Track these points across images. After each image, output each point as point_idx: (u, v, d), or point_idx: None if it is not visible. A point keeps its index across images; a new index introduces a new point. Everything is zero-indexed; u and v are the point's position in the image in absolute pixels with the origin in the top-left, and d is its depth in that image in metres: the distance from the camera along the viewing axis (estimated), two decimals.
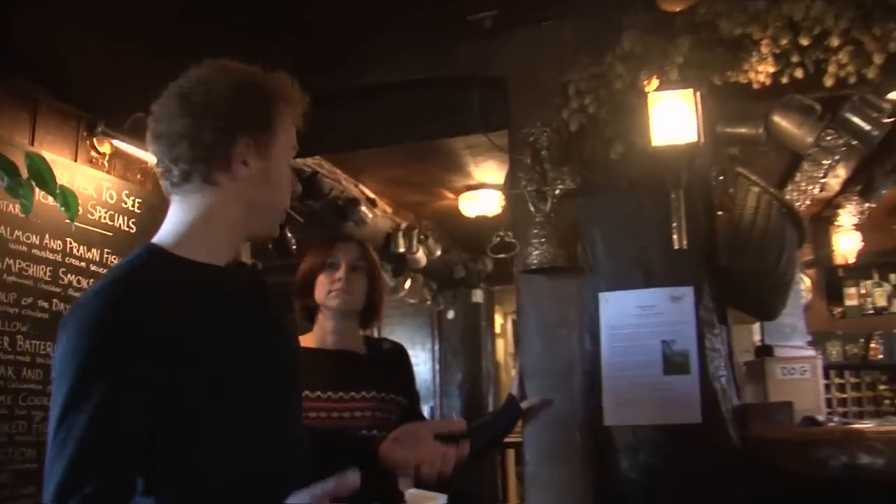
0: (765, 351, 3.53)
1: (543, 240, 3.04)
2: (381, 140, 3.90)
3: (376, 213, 5.60)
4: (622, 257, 3.01)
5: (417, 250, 6.08)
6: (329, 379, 2.56)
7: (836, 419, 3.56)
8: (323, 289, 2.64)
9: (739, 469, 2.90)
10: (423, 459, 1.71)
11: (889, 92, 3.29)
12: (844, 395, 6.92)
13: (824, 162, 4.58)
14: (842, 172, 5.45)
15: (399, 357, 2.79)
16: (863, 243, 6.50)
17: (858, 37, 2.82)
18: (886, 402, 6.82)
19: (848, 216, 6.31)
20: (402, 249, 5.90)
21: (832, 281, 7.25)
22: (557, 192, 3.02)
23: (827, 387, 6.88)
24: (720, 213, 3.20)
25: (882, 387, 6.89)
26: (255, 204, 1.61)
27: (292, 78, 1.65)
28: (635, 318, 2.92)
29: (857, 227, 6.40)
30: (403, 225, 5.96)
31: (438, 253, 6.34)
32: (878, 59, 2.81)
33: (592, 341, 3.01)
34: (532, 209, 3.06)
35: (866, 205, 5.84)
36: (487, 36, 3.33)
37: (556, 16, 3.28)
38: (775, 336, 4.02)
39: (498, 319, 9.12)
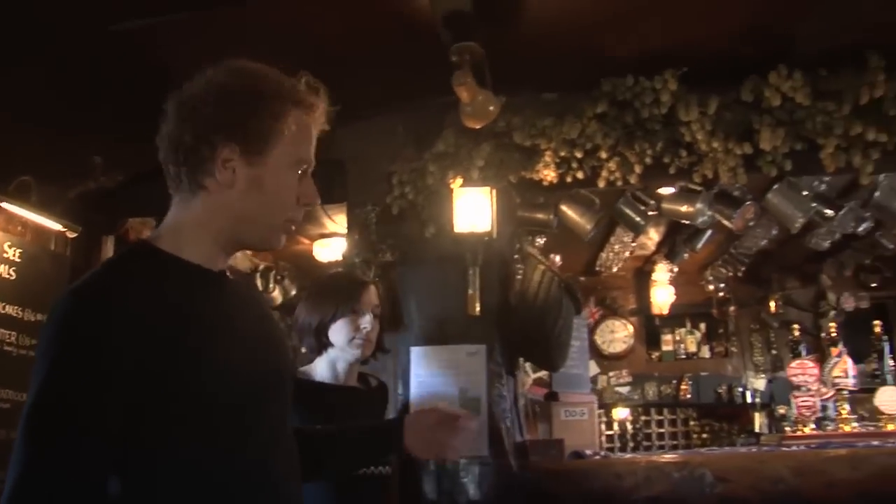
0: (552, 396, 4.30)
1: None
2: None
3: (236, 255, 6.13)
4: (431, 319, 3.69)
5: (274, 289, 6.64)
6: (333, 413, 2.53)
7: (602, 453, 4.36)
8: (344, 335, 2.64)
9: (521, 494, 3.62)
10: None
11: (657, 188, 4.14)
12: (662, 430, 7.82)
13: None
14: (655, 235, 6.35)
15: (384, 393, 2.88)
16: (675, 296, 7.45)
17: (623, 151, 3.63)
18: (695, 436, 7.73)
19: (662, 273, 7.25)
20: (259, 289, 6.45)
21: (651, 328, 8.02)
22: (382, 261, 3.72)
23: (647, 422, 7.83)
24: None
25: (692, 423, 7.80)
26: (245, 212, 1.57)
27: (317, 82, 1.63)
28: (439, 369, 3.60)
29: (671, 282, 7.35)
30: (261, 266, 6.51)
31: (294, 293, 6.91)
32: (637, 169, 3.63)
33: (404, 387, 3.69)
34: (361, 274, 3.74)
35: (673, 265, 6.79)
36: (332, 124, 3.99)
37: (390, 112, 3.97)
38: (564, 384, 4.78)
39: None
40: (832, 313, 7.73)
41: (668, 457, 3.72)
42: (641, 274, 7.68)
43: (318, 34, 3.27)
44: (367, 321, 2.63)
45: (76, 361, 1.34)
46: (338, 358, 2.67)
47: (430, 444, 2.03)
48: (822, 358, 7.17)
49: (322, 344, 2.66)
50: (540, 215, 3.95)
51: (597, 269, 6.51)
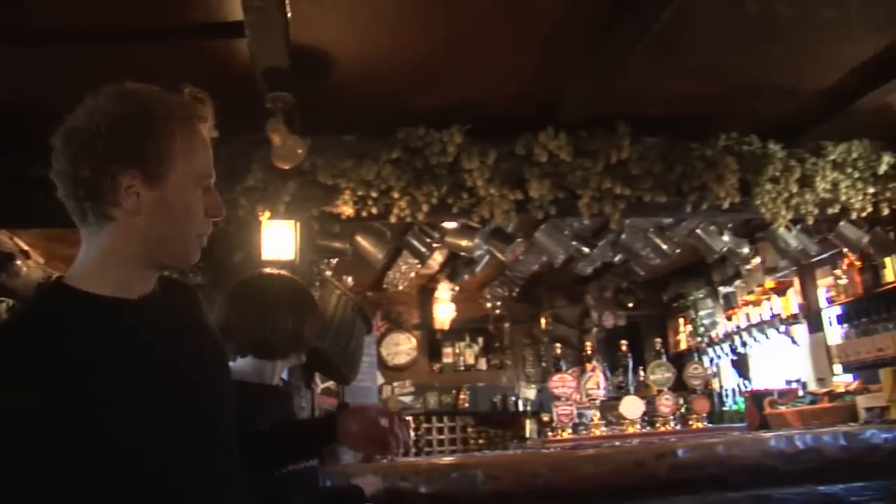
0: (343, 406, 4.75)
1: None
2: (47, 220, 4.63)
3: (29, 266, 6.18)
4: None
5: None
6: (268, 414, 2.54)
7: (389, 457, 4.87)
8: None
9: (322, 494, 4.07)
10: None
11: (441, 223, 4.72)
12: (443, 437, 8.43)
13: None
14: (438, 257, 6.96)
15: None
16: (456, 312, 8.12)
17: (412, 192, 4.17)
18: (472, 441, 8.38)
19: (444, 291, 7.89)
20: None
21: (433, 341, 8.64)
22: (192, 283, 4.05)
23: (429, 429, 8.43)
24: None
25: (470, 429, 8.46)
26: (155, 235, 1.54)
27: (200, 91, 1.61)
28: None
29: (453, 299, 8.01)
30: (55, 276, 6.56)
31: None
32: (425, 207, 4.18)
33: None
34: None
35: (454, 285, 7.45)
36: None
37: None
38: (354, 395, 5.24)
39: None
40: (595, 330, 8.68)
41: (447, 459, 4.27)
42: (425, 291, 8.29)
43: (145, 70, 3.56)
44: None
45: None
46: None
47: (366, 440, 2.01)
48: (584, 370, 8.06)
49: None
50: (337, 244, 4.42)
51: (384, 286, 6.99)
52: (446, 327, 8.14)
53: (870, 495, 4.39)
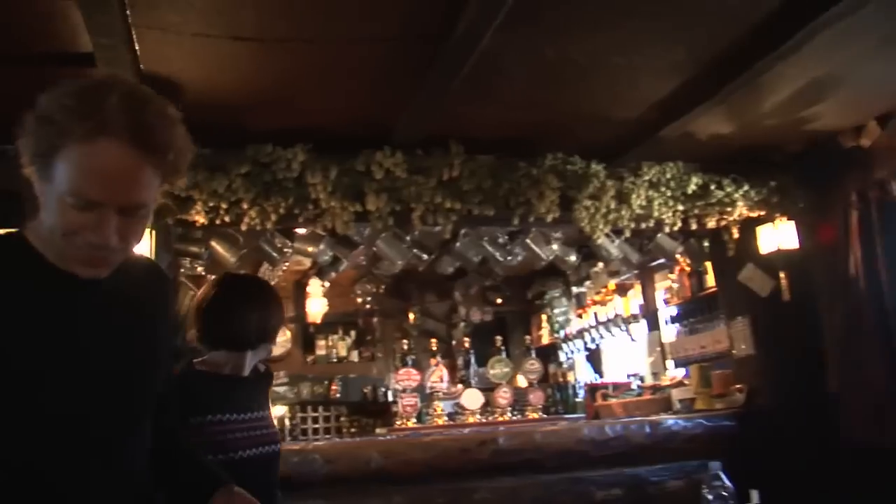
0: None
1: None
2: None
3: None
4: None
5: None
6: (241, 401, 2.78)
7: None
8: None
9: None
10: None
11: (293, 229, 5.19)
12: (317, 426, 8.86)
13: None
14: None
15: (270, 378, 3.12)
16: (329, 306, 8.59)
17: (262, 202, 4.62)
18: (345, 430, 8.83)
19: (316, 286, 8.36)
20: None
21: (307, 334, 9.07)
22: None
23: (303, 418, 8.85)
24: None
25: (343, 418, 8.92)
26: (46, 224, 1.57)
27: (130, 111, 1.50)
28: None
29: (325, 294, 8.47)
30: None
31: None
32: (273, 217, 4.64)
33: None
34: None
35: (323, 281, 7.92)
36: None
37: None
38: None
39: None
40: (462, 325, 9.26)
41: (289, 446, 4.76)
42: (299, 286, 8.74)
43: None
44: None
45: None
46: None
47: None
48: (453, 362, 8.61)
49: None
50: (193, 248, 4.85)
51: None
52: (318, 321, 8.60)
53: (668, 475, 5.07)
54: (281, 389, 8.68)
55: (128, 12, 3.28)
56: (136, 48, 3.54)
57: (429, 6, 3.42)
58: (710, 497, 3.41)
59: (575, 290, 8.52)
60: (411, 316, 9.10)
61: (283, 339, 8.87)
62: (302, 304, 8.70)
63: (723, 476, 3.37)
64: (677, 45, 3.92)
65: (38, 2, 3.27)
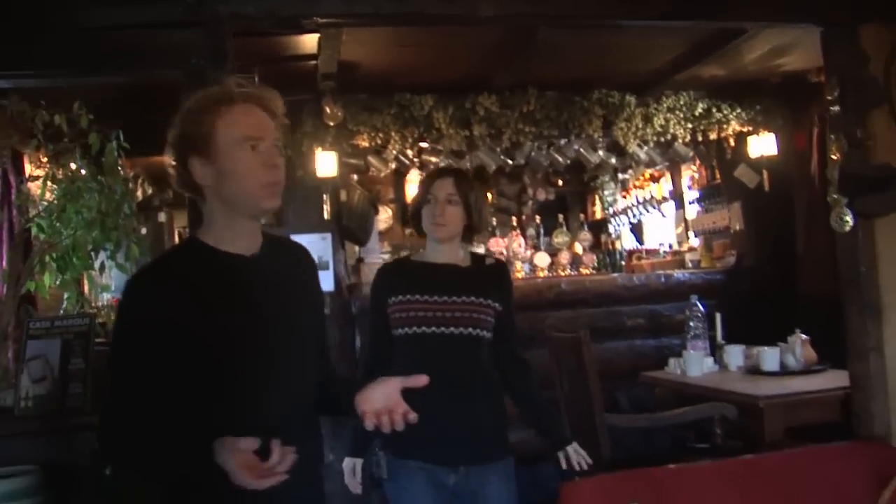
0: (361, 260, 7.99)
1: None
2: None
3: None
4: (302, 219, 7.16)
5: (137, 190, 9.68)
6: (432, 285, 3.16)
7: None
8: (426, 220, 3.27)
9: (350, 312, 7.29)
10: (380, 412, 2.01)
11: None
12: None
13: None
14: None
15: (498, 270, 3.41)
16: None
17: (402, 131, 7.23)
18: None
19: (414, 174, 10.91)
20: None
21: (405, 213, 11.27)
22: None
23: None
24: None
25: None
26: (228, 198, 1.95)
27: (242, 83, 1.99)
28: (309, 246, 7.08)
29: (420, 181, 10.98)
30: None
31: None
32: (409, 140, 7.26)
33: None
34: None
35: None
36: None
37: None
38: (366, 253, 8.33)
39: None
40: (530, 202, 11.80)
41: None
42: (398, 174, 11.24)
43: None
44: (438, 207, 3.22)
45: (131, 324, 1.95)
46: (430, 241, 3.32)
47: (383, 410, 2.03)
48: (523, 233, 11.20)
49: (421, 231, 3.37)
50: (354, 161, 7.51)
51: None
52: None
53: (675, 310, 7.66)
54: (386, 256, 11.32)
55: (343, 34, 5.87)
56: (340, 48, 6.13)
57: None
58: (689, 315, 6.12)
59: (620, 176, 10.99)
60: (489, 196, 11.60)
61: (386, 217, 11.52)
62: (400, 189, 11.23)
63: (699, 304, 6.07)
64: (677, 36, 6.42)
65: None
